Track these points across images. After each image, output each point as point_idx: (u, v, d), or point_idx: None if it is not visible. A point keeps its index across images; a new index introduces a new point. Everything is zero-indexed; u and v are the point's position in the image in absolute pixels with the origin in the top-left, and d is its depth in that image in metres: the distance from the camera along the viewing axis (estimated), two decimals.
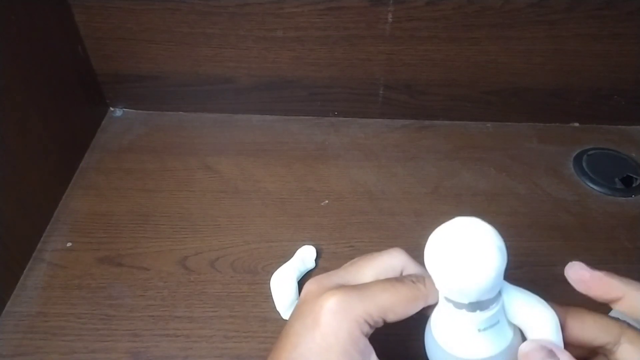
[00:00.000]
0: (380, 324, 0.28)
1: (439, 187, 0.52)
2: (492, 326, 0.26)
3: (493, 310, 0.26)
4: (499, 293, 0.26)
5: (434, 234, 0.26)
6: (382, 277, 0.30)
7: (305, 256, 0.43)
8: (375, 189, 0.52)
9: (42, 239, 0.46)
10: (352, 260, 0.32)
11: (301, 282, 0.42)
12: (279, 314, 0.40)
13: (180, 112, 0.61)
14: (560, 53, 0.54)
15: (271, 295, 0.41)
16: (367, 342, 0.27)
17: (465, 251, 0.24)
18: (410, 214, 0.50)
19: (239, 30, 0.53)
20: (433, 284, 0.27)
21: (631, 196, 0.52)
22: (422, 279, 0.29)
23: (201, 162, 0.54)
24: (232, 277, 0.43)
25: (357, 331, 0.27)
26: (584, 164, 0.55)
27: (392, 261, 0.30)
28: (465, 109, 0.60)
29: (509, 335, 0.27)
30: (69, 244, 0.46)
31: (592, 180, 0.53)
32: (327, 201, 0.50)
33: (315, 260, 0.44)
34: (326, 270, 0.43)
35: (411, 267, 0.30)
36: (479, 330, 0.26)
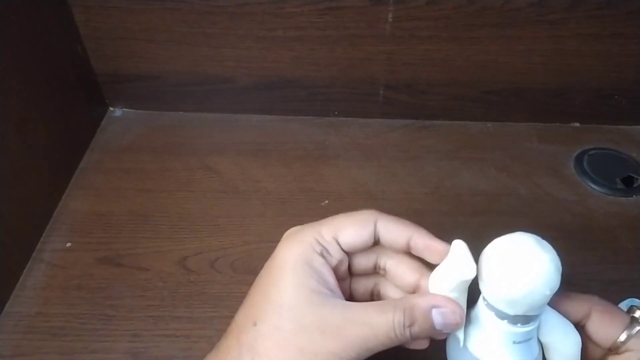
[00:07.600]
0: (335, 245, 0.28)
1: (439, 187, 0.52)
2: (526, 341, 0.26)
3: (533, 325, 0.26)
4: None
5: (496, 241, 0.26)
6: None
7: None
8: (375, 189, 0.52)
9: (41, 239, 0.46)
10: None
11: None
12: None
13: (180, 112, 0.61)
14: (561, 53, 0.54)
15: None
16: (324, 262, 0.27)
17: (529, 265, 0.24)
18: (410, 214, 0.49)
19: (239, 30, 0.53)
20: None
21: (632, 196, 0.52)
22: None
23: (201, 162, 0.54)
24: (232, 277, 0.43)
25: (309, 249, 0.27)
26: (585, 164, 0.55)
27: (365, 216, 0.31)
28: (466, 109, 0.60)
29: (535, 351, 0.27)
30: (68, 244, 0.46)
31: (592, 180, 0.53)
32: (327, 201, 0.50)
33: None
34: None
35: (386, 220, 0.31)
36: (514, 342, 0.26)
